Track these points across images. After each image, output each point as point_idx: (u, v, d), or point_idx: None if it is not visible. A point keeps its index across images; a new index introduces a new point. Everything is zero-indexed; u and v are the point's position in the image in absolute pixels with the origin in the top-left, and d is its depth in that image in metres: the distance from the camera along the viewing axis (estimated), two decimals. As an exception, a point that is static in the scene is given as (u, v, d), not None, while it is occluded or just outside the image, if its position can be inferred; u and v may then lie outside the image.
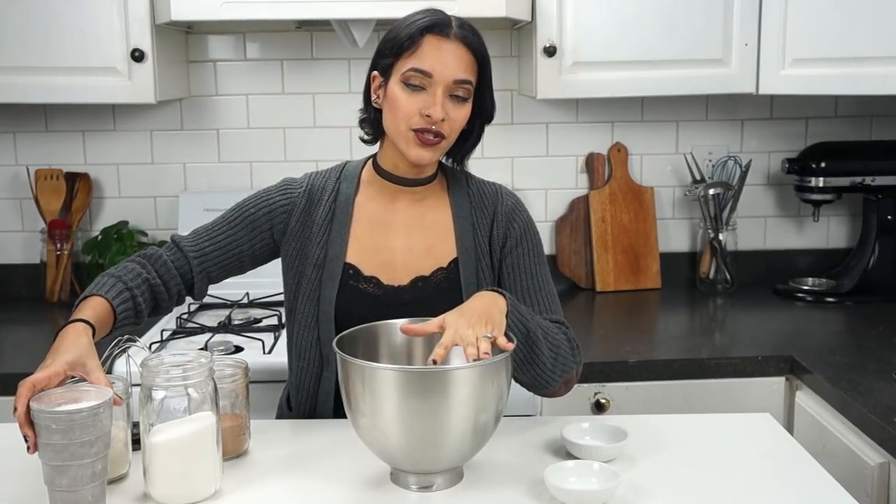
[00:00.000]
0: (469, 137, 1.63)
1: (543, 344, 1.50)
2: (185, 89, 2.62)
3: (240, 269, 1.67)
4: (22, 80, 2.28)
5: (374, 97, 1.59)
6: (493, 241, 1.64)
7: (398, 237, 1.63)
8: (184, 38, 2.61)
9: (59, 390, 1.26)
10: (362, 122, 1.65)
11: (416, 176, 1.62)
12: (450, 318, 1.36)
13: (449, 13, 1.56)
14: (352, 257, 1.61)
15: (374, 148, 1.68)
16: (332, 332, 1.57)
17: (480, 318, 1.36)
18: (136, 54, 2.26)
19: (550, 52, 2.31)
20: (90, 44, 2.26)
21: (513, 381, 1.42)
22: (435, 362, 1.27)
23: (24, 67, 2.27)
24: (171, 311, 1.64)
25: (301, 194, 1.64)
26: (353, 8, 2.16)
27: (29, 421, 1.23)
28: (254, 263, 1.68)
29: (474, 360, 1.28)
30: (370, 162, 1.68)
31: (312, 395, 1.64)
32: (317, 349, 1.61)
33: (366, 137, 1.66)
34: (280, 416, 1.76)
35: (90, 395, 1.26)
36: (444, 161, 1.68)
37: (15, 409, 1.23)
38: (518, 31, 2.60)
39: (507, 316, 1.42)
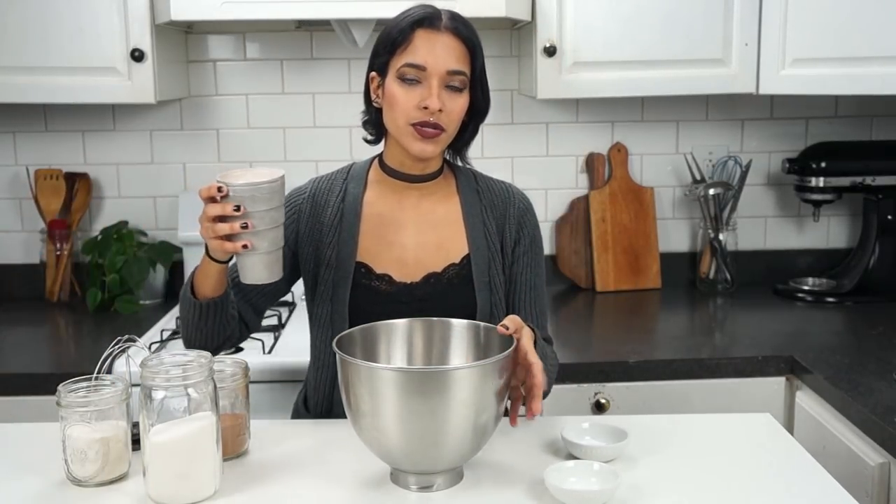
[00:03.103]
0: (465, 130, 1.63)
1: (552, 375, 1.60)
2: (185, 89, 2.62)
3: (277, 291, 1.68)
4: (22, 80, 2.28)
5: (373, 97, 1.61)
6: (504, 242, 1.66)
7: (408, 233, 1.63)
8: (184, 38, 2.61)
9: (235, 172, 1.43)
10: (365, 124, 1.67)
11: (422, 171, 1.64)
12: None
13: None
14: (363, 256, 1.62)
15: (378, 148, 1.70)
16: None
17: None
18: (136, 54, 2.26)
19: (550, 52, 2.31)
20: (90, 44, 2.26)
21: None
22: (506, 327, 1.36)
23: (23, 67, 2.27)
24: (235, 343, 1.68)
25: (305, 200, 1.66)
26: (353, 8, 2.16)
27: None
28: (289, 280, 1.69)
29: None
30: (376, 161, 1.69)
31: (328, 396, 1.65)
32: (332, 349, 1.62)
33: (369, 138, 1.67)
34: (295, 416, 1.76)
35: (265, 172, 1.41)
36: (447, 157, 1.69)
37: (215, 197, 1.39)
38: (518, 31, 2.60)
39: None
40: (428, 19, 1.53)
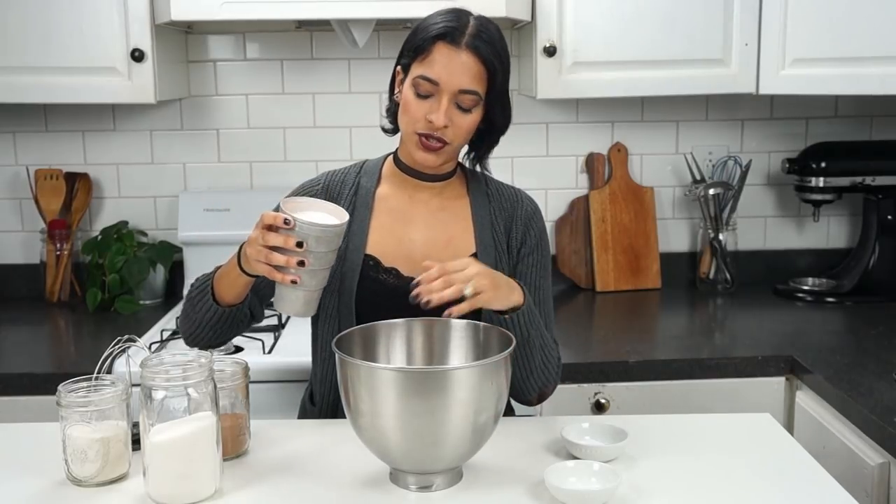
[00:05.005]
0: (483, 141, 1.65)
1: (538, 354, 1.55)
2: (185, 89, 2.62)
3: None
4: (22, 80, 2.28)
5: (396, 91, 1.62)
6: (510, 242, 1.67)
7: (418, 229, 1.65)
8: (184, 38, 2.61)
9: (299, 201, 1.45)
10: (387, 111, 1.68)
11: (435, 171, 1.65)
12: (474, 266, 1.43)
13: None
14: (372, 249, 1.63)
15: (385, 146, 1.71)
16: (353, 324, 1.59)
17: (491, 284, 1.43)
18: (136, 54, 2.26)
19: (550, 52, 2.31)
20: (90, 44, 2.26)
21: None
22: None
23: (24, 67, 2.27)
24: (241, 332, 1.69)
25: (319, 191, 1.67)
26: (353, 8, 2.16)
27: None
28: None
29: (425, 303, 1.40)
30: (391, 157, 1.71)
31: (335, 388, 1.64)
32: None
33: (388, 127, 1.69)
34: (302, 413, 1.77)
35: (330, 209, 1.45)
36: (466, 161, 1.71)
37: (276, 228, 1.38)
38: (518, 31, 2.60)
39: (517, 311, 1.48)
40: (451, 34, 1.51)
